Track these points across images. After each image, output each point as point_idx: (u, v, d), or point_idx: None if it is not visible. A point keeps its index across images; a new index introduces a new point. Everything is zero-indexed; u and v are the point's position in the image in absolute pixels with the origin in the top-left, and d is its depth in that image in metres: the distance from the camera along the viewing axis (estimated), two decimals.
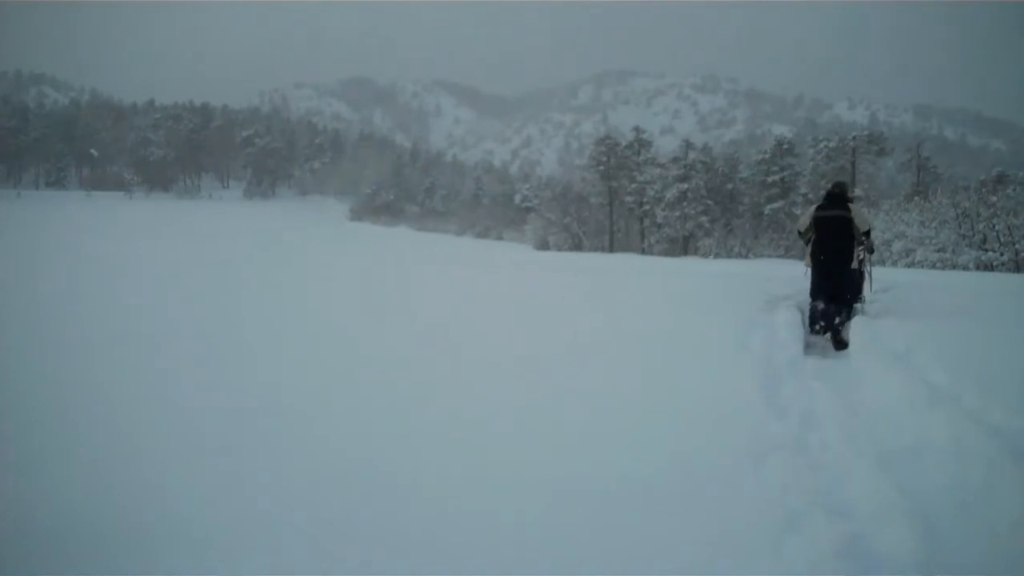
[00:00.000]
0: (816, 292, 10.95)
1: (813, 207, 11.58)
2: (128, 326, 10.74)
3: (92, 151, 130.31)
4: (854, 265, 11.17)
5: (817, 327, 10.58)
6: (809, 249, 11.45)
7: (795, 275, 20.56)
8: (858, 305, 11.36)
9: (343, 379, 8.08)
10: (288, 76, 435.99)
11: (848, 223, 10.96)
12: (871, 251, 11.87)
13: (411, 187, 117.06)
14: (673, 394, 7.29)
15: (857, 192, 43.14)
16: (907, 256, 30.33)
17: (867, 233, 11.26)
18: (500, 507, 4.77)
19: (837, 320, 10.46)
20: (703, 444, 5.84)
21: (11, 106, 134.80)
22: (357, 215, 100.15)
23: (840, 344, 10.17)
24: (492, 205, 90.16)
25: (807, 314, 11.10)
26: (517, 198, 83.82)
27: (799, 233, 11.85)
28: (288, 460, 6.28)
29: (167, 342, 9.68)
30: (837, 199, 11.25)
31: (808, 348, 9.91)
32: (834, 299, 10.70)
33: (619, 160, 57.57)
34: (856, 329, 10.12)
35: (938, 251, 29.44)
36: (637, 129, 60.57)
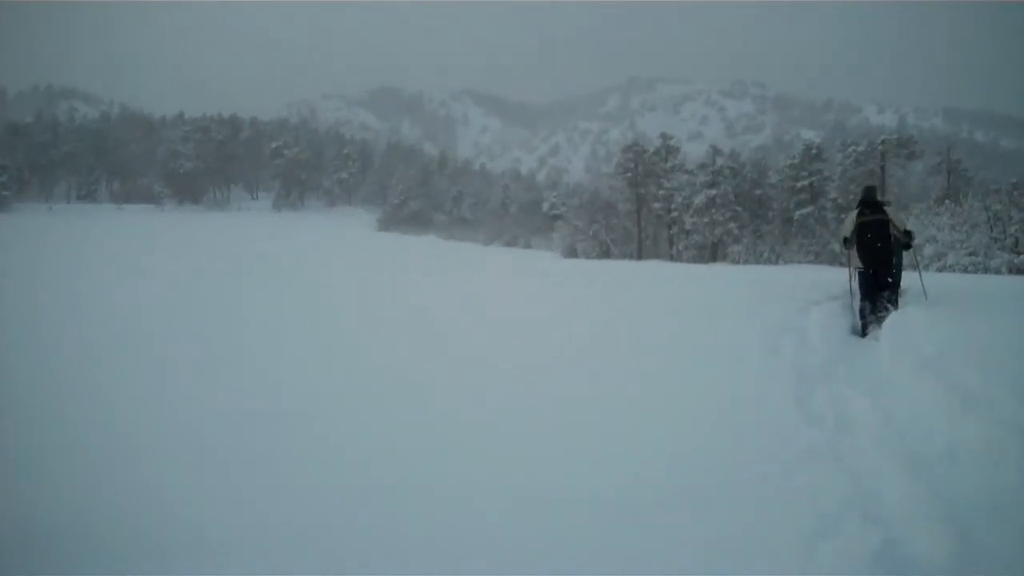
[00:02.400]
0: (866, 292, 12.06)
1: (854, 213, 12.54)
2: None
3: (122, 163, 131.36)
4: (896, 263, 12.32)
5: (865, 321, 11.70)
6: (854, 254, 12.45)
7: (826, 280, 20.52)
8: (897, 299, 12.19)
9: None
10: (316, 87, 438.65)
11: (887, 225, 12.06)
12: (908, 247, 12.94)
13: (439, 196, 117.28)
14: (705, 399, 7.32)
15: (888, 197, 42.84)
16: (939, 260, 30.11)
17: (908, 232, 12.58)
18: (540, 516, 4.79)
19: (883, 312, 11.46)
20: (735, 449, 5.86)
21: (42, 120, 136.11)
22: (385, 225, 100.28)
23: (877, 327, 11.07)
24: (520, 213, 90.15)
25: (856, 314, 12.25)
26: (545, 206, 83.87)
27: (844, 240, 12.77)
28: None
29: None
30: (872, 204, 12.34)
31: (844, 349, 9.89)
32: (882, 293, 11.84)
33: (647, 167, 57.48)
34: (887, 333, 10.09)
35: (970, 255, 29.20)
36: (664, 135, 60.46)
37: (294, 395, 8.00)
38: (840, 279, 18.95)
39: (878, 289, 11.94)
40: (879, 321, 11.33)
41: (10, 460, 5.95)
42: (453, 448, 6.10)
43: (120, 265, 26.65)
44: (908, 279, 13.52)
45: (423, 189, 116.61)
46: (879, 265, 12.04)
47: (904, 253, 13.04)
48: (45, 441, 6.30)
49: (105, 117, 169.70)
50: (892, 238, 12.13)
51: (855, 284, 13.00)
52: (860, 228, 12.21)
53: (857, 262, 12.44)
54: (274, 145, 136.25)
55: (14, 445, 6.25)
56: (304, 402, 7.70)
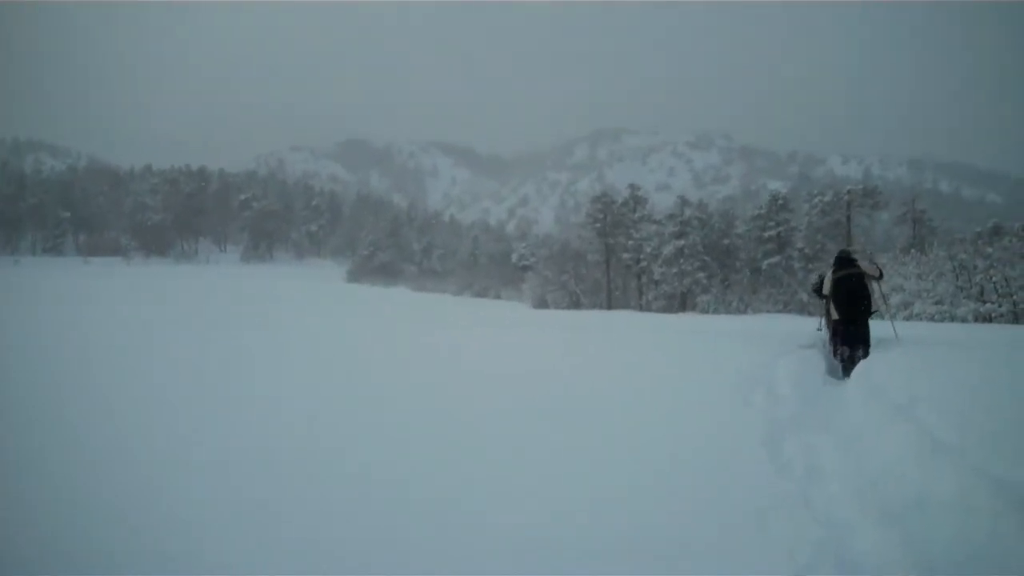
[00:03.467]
0: (844, 339, 13.08)
1: (830, 271, 13.85)
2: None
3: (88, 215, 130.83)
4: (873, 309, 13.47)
5: (843, 363, 12.78)
6: (832, 305, 13.58)
7: (795, 329, 20.63)
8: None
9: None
10: (284, 140, 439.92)
11: (861, 277, 13.37)
12: (883, 298, 14.73)
13: (408, 247, 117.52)
14: (675, 451, 7.27)
15: (855, 246, 43.25)
16: (905, 309, 30.35)
17: (880, 276, 13.94)
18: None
19: (859, 356, 12.61)
20: (707, 500, 5.82)
21: (8, 172, 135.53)
22: (354, 276, 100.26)
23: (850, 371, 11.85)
24: (490, 264, 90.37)
25: (829, 359, 13.36)
26: (514, 257, 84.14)
27: (819, 294, 14.50)
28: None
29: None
30: (846, 261, 13.70)
31: (814, 398, 9.92)
32: (858, 341, 12.92)
33: (615, 217, 57.84)
34: (857, 382, 10.15)
35: (936, 303, 29.47)
36: (632, 186, 60.91)
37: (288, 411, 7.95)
38: (809, 328, 19.07)
39: (853, 339, 12.95)
40: (852, 365, 12.12)
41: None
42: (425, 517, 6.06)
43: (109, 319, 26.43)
44: (879, 328, 14.18)
45: (392, 240, 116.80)
46: (854, 315, 13.12)
47: (874, 300, 13.90)
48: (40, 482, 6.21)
49: (72, 169, 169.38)
50: (866, 287, 13.35)
51: (828, 333, 14.33)
52: (836, 283, 13.47)
53: (834, 313, 13.47)
54: (243, 197, 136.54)
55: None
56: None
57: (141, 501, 5.57)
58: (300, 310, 32.17)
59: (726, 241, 54.32)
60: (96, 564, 4.48)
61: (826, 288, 13.89)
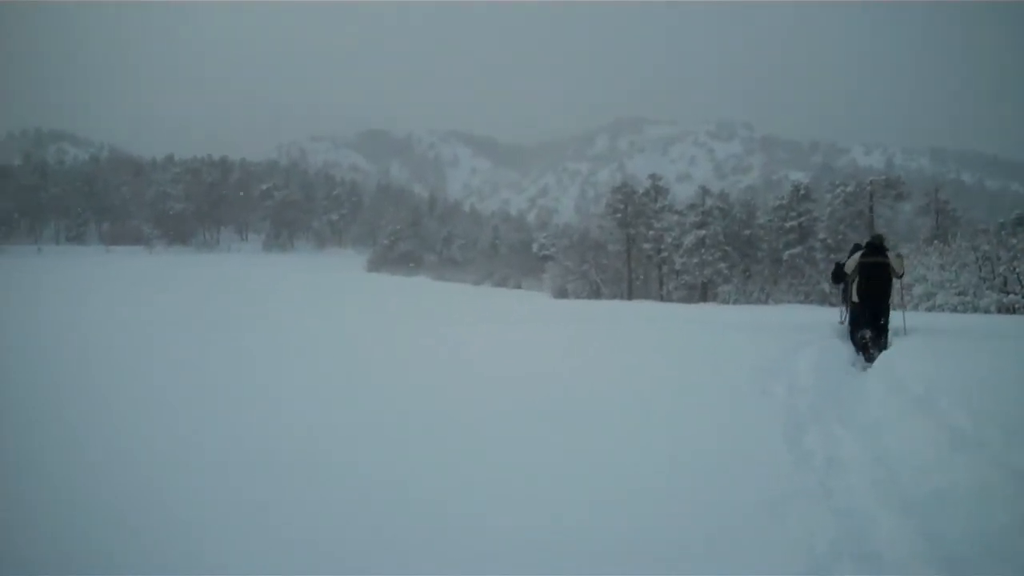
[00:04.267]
0: (863, 323, 13.35)
1: (858, 254, 14.10)
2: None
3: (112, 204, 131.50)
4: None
5: (863, 346, 12.98)
6: (853, 289, 13.86)
7: (816, 320, 20.53)
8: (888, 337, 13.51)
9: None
10: (306, 130, 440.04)
11: (887, 267, 13.63)
12: (900, 275, 14.28)
13: (429, 237, 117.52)
14: (695, 442, 7.27)
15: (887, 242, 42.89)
16: (928, 300, 30.19)
17: (900, 276, 14.08)
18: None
19: (878, 343, 12.97)
20: (726, 491, 5.83)
21: (31, 163, 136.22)
22: (375, 266, 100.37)
23: (872, 359, 12.22)
24: (510, 254, 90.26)
25: (851, 349, 13.42)
26: (535, 246, 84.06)
27: (843, 275, 14.73)
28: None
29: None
30: (877, 248, 13.89)
31: (834, 389, 9.88)
32: (875, 325, 13.25)
33: (636, 207, 57.68)
34: (878, 374, 10.13)
35: (959, 294, 29.29)
36: (653, 176, 60.69)
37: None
38: (830, 319, 18.99)
39: (871, 323, 13.25)
40: (874, 354, 12.35)
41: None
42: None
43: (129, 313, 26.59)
44: (894, 318, 14.18)
45: (413, 230, 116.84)
46: (875, 301, 13.46)
47: (892, 291, 13.99)
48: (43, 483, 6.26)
49: (94, 159, 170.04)
50: (889, 279, 13.66)
51: (848, 318, 14.71)
52: (862, 267, 13.73)
53: (855, 296, 13.79)
54: (264, 187, 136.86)
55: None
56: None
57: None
58: (304, 307, 32.16)
59: (747, 231, 54.10)
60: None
61: (849, 268, 14.24)
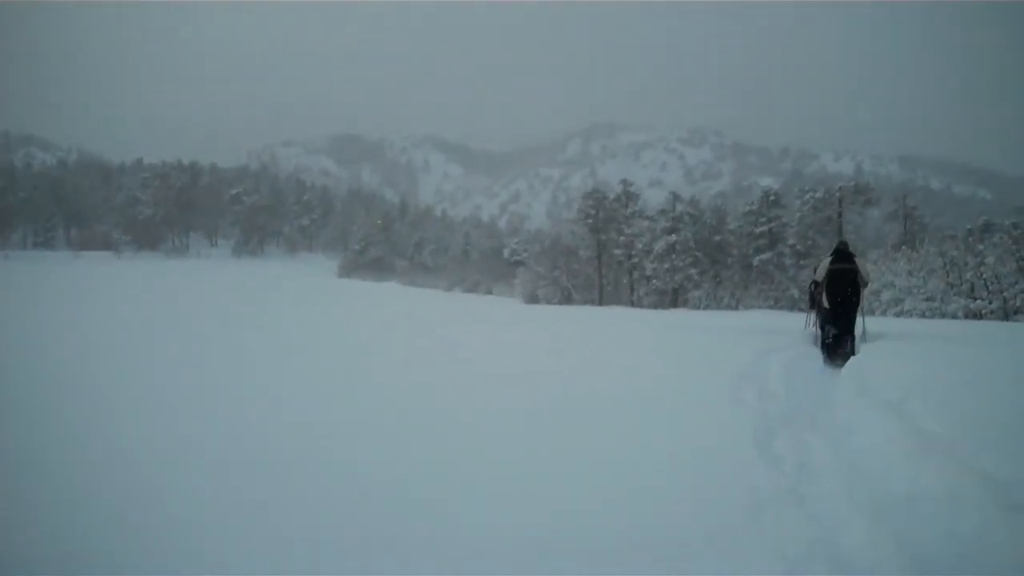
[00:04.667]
0: (833, 322, 13.94)
1: (827, 260, 14.65)
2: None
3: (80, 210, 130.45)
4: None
5: (829, 343, 13.72)
6: (824, 293, 14.31)
7: (786, 326, 20.66)
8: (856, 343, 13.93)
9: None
10: (277, 134, 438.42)
11: (855, 273, 14.19)
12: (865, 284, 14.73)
13: (400, 242, 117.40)
14: (665, 449, 7.28)
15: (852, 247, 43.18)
16: (896, 305, 30.43)
17: (865, 284, 14.52)
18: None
19: (846, 344, 13.58)
20: (700, 497, 5.84)
21: None
22: (346, 271, 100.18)
23: (844, 358, 12.76)
24: (481, 259, 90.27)
25: (821, 348, 14.09)
26: (506, 252, 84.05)
27: (814, 282, 15.46)
28: (288, 462, 6.31)
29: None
30: (845, 255, 14.45)
31: (805, 395, 9.92)
32: (844, 328, 13.82)
33: (607, 213, 57.75)
34: (848, 379, 10.19)
35: (927, 300, 29.54)
36: (625, 182, 60.77)
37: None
38: (799, 325, 19.10)
39: (842, 327, 13.83)
40: (843, 359, 12.80)
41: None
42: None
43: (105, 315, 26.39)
44: (859, 324, 14.55)
45: (384, 235, 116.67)
46: (844, 306, 13.97)
47: (861, 297, 14.50)
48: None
49: (62, 164, 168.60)
50: (857, 285, 14.15)
51: (817, 323, 15.53)
52: (831, 274, 14.26)
53: (824, 302, 14.28)
54: (234, 192, 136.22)
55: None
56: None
57: (141, 501, 5.58)
58: (295, 307, 32.08)
59: (718, 237, 54.26)
60: (96, 564, 4.50)
61: (819, 275, 14.78)
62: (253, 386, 10.68)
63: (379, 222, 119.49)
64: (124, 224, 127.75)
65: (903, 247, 39.89)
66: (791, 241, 50.26)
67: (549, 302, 55.76)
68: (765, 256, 49.99)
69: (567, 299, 56.55)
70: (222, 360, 13.75)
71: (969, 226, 52.97)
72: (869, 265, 15.21)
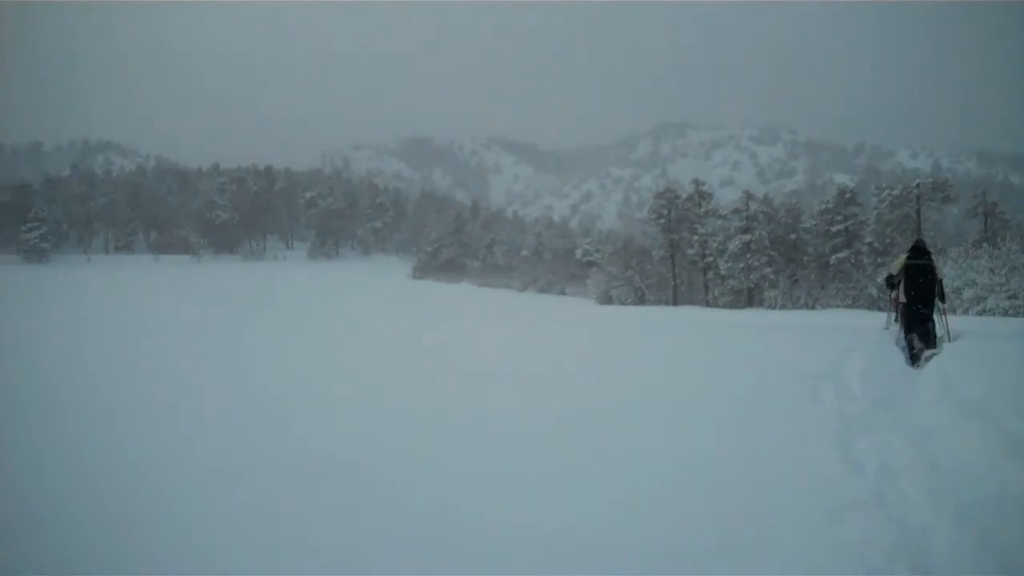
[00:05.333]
0: (910, 325, 13.75)
1: (904, 256, 14.65)
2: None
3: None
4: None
5: (914, 352, 13.01)
6: (900, 289, 14.37)
7: (865, 325, 20.38)
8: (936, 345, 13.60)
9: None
10: (349, 138, 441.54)
11: (932, 269, 14.19)
12: (943, 298, 14.71)
13: (472, 243, 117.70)
14: (744, 450, 7.25)
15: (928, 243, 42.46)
16: (978, 304, 29.86)
17: (940, 281, 14.43)
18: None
19: (927, 342, 13.29)
20: (777, 500, 5.80)
21: (79, 173, 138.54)
22: (420, 273, 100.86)
23: (927, 359, 12.38)
24: (553, 260, 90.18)
25: (903, 347, 13.77)
26: (578, 252, 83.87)
27: (890, 276, 15.32)
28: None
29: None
30: (922, 251, 14.47)
31: (886, 396, 9.81)
32: (923, 325, 13.69)
33: (680, 212, 57.42)
34: (929, 379, 10.06)
35: (1010, 298, 28.96)
36: (697, 181, 60.34)
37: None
38: (879, 323, 18.85)
39: (920, 322, 13.71)
40: (926, 359, 12.41)
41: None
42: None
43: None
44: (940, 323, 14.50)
45: (456, 237, 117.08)
46: (922, 302, 13.96)
47: (937, 292, 14.49)
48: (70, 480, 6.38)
49: (141, 170, 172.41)
50: (934, 280, 14.13)
51: (897, 320, 15.41)
52: (908, 269, 14.23)
53: (902, 297, 14.26)
54: (308, 195, 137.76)
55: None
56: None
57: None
58: (382, 312, 32.38)
59: (793, 236, 53.66)
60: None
61: (894, 268, 14.88)
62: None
63: (450, 222, 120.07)
64: (202, 228, 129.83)
65: (984, 244, 39.10)
66: (868, 239, 49.54)
67: (623, 302, 55.58)
68: (842, 255, 49.33)
69: (641, 299, 56.33)
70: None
71: None
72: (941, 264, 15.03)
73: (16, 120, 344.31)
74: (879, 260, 46.28)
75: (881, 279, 17.14)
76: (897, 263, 14.82)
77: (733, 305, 50.06)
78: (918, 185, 50.12)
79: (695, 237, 55.13)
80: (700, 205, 57.77)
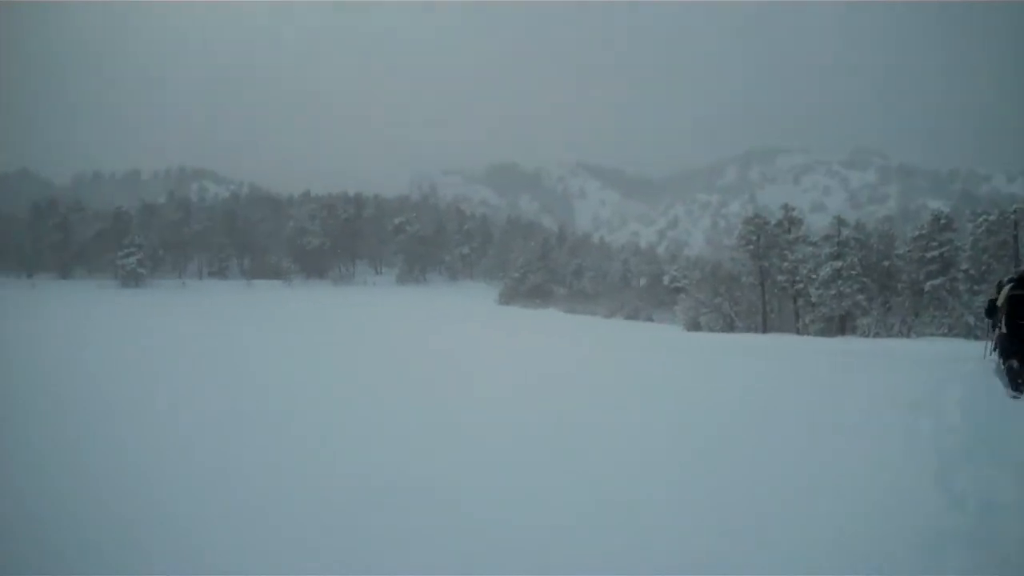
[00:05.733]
0: (1012, 354, 13.14)
1: (1008, 287, 14.27)
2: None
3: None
4: None
5: (1014, 371, 12.74)
6: (1004, 319, 13.87)
7: (962, 354, 20.02)
8: None
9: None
10: (436, 164, 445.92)
11: None
12: None
13: (559, 269, 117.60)
14: (840, 481, 7.17)
15: None
16: None
17: None
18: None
19: None
20: (871, 531, 5.74)
21: (175, 200, 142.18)
22: (506, 298, 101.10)
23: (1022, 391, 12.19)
24: (641, 286, 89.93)
25: (1005, 375, 13.31)
26: (666, 279, 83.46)
27: (992, 306, 15.43)
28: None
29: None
30: None
31: (986, 427, 9.67)
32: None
33: (769, 239, 56.86)
34: None
35: None
36: (786, 207, 59.73)
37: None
38: (977, 352, 18.53)
39: (1021, 353, 13.02)
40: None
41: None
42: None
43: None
44: None
45: (543, 263, 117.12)
46: (1020, 332, 13.39)
47: None
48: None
49: (234, 196, 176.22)
50: None
51: (995, 350, 15.01)
52: (1011, 300, 13.88)
53: (1003, 328, 13.87)
54: (397, 221, 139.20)
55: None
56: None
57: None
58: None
59: (886, 262, 52.82)
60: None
61: (1000, 299, 14.51)
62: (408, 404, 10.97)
63: (535, 247, 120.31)
64: (294, 253, 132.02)
65: None
66: (964, 266, 48.53)
67: (711, 329, 55.16)
68: (937, 282, 48.41)
69: (729, 326, 55.86)
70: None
71: None
72: None
73: (115, 148, 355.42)
74: (975, 287, 45.28)
75: (980, 307, 16.76)
76: (1002, 294, 14.50)
77: (824, 332, 49.33)
78: (1015, 211, 48.97)
79: (785, 263, 54.54)
80: (790, 231, 57.15)
